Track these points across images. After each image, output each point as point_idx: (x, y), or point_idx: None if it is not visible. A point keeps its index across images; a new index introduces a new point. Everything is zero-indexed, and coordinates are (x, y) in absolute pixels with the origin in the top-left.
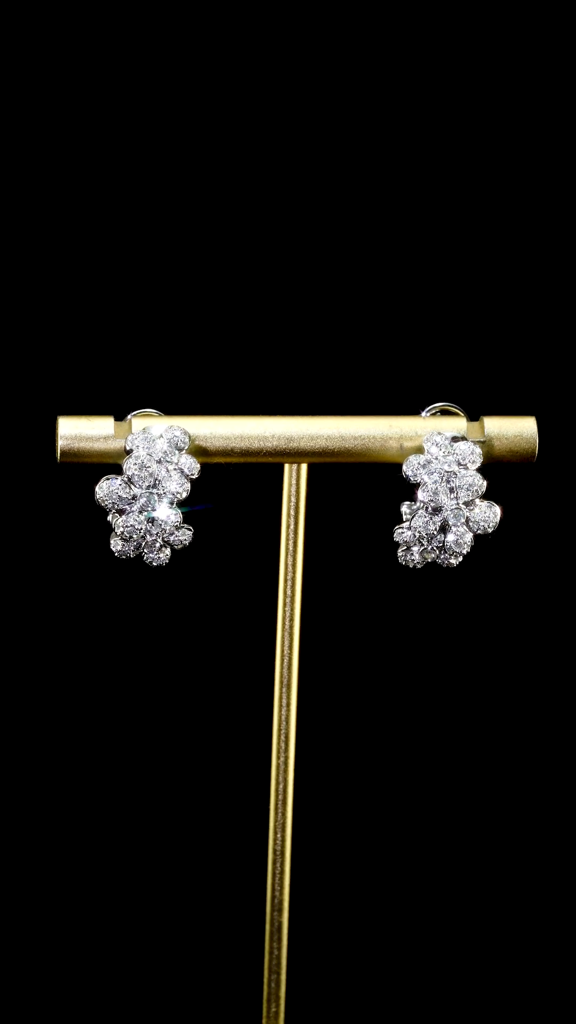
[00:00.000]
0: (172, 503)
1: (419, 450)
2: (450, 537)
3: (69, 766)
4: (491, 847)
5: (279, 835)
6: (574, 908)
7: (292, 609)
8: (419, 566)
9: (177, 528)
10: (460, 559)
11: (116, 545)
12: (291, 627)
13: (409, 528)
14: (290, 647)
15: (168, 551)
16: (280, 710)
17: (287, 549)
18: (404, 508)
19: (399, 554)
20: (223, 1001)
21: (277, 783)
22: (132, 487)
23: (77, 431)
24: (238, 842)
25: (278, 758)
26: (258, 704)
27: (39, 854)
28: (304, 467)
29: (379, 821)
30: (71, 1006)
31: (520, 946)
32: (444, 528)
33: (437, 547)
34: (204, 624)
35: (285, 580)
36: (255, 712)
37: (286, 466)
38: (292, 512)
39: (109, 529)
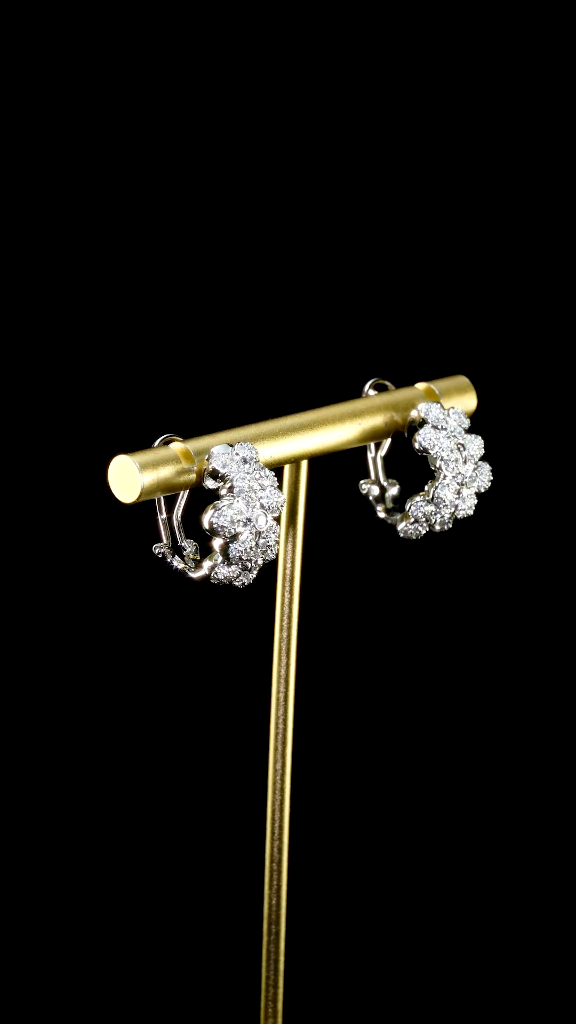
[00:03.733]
0: (277, 518)
1: (398, 424)
2: (462, 500)
3: (66, 763)
4: (495, 847)
5: (276, 832)
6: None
7: (291, 616)
8: (420, 537)
9: (277, 542)
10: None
11: (223, 572)
12: (288, 636)
13: (430, 500)
14: (288, 656)
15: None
16: (277, 710)
17: (287, 550)
18: (364, 486)
19: (404, 527)
20: (220, 1004)
21: (275, 781)
22: (243, 511)
23: (153, 464)
24: (235, 838)
25: (275, 757)
26: (256, 707)
27: (34, 850)
28: (304, 464)
29: (378, 823)
30: (68, 1006)
31: (521, 943)
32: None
33: (449, 512)
34: (201, 633)
35: (284, 581)
36: (253, 714)
37: (287, 466)
38: (291, 513)
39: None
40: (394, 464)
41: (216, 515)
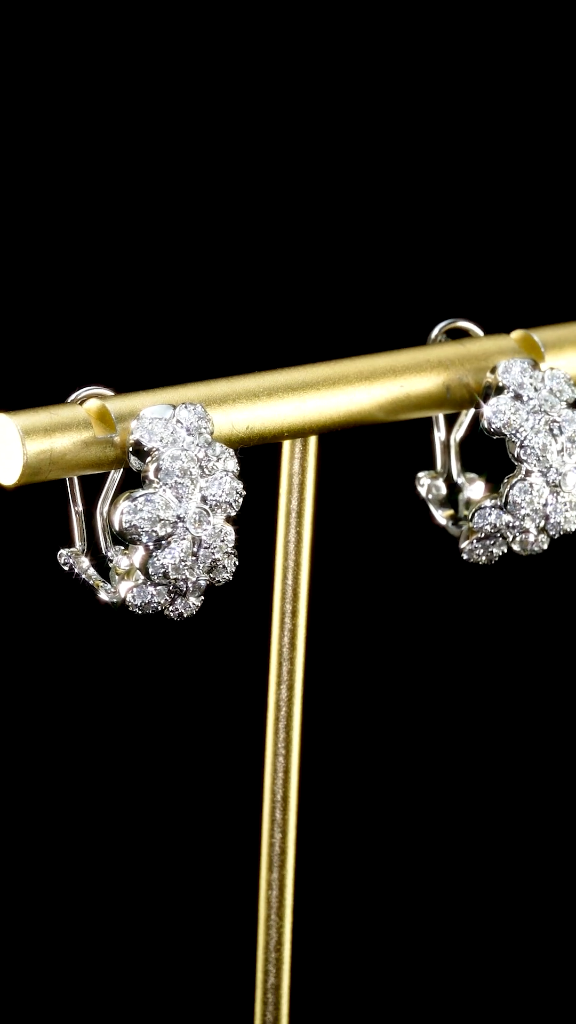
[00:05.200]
0: (227, 519)
1: (469, 388)
2: (557, 510)
3: (60, 765)
4: (501, 858)
5: (278, 831)
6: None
7: (295, 625)
8: (495, 561)
9: (228, 555)
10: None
11: (142, 595)
12: (292, 648)
13: (502, 507)
14: (291, 669)
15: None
16: (276, 737)
17: (287, 566)
18: (424, 481)
19: (468, 547)
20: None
21: (274, 794)
22: (172, 502)
23: (46, 429)
24: (234, 839)
25: (274, 768)
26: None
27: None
28: (313, 441)
29: (380, 834)
30: (66, 1005)
31: (524, 944)
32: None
33: (537, 526)
34: (195, 642)
35: (283, 593)
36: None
37: (287, 443)
38: (295, 505)
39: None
40: (486, 455)
41: (129, 510)
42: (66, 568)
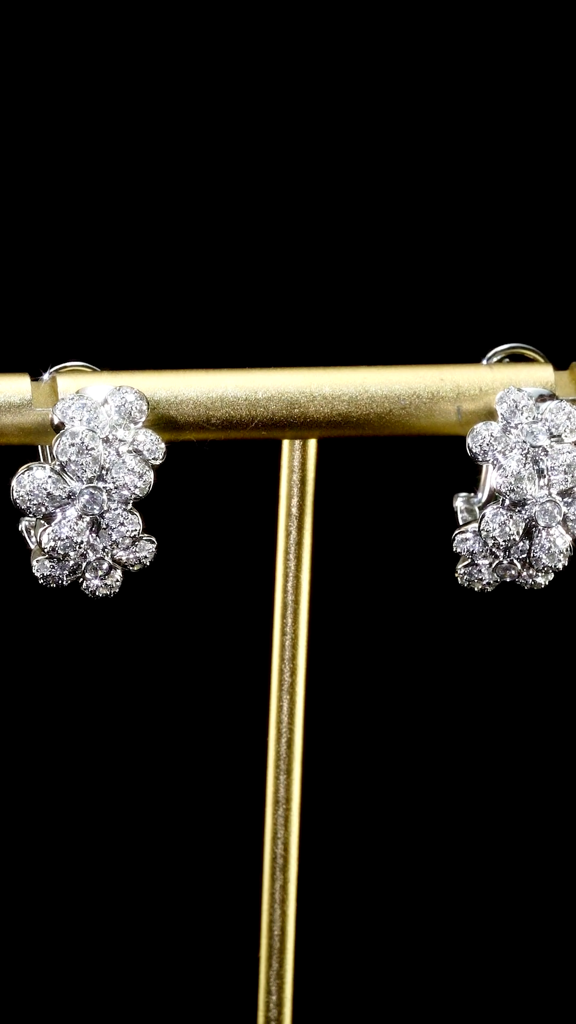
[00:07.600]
0: (127, 502)
1: (489, 415)
2: (539, 544)
3: (60, 766)
4: (501, 852)
5: (280, 833)
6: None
7: (295, 631)
8: (489, 588)
9: (134, 540)
10: (551, 576)
11: (42, 568)
12: (293, 655)
13: (478, 533)
14: (292, 675)
15: (119, 574)
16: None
17: (286, 556)
18: (459, 503)
19: (461, 571)
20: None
21: (275, 801)
22: (67, 480)
23: None
24: (236, 841)
25: (276, 774)
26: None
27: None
28: (312, 444)
29: (383, 833)
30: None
31: (526, 947)
32: (530, 531)
33: (519, 559)
34: (190, 641)
35: (284, 595)
36: (251, 726)
37: (285, 443)
38: (295, 508)
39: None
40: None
41: (16, 483)
42: (24, 536)
